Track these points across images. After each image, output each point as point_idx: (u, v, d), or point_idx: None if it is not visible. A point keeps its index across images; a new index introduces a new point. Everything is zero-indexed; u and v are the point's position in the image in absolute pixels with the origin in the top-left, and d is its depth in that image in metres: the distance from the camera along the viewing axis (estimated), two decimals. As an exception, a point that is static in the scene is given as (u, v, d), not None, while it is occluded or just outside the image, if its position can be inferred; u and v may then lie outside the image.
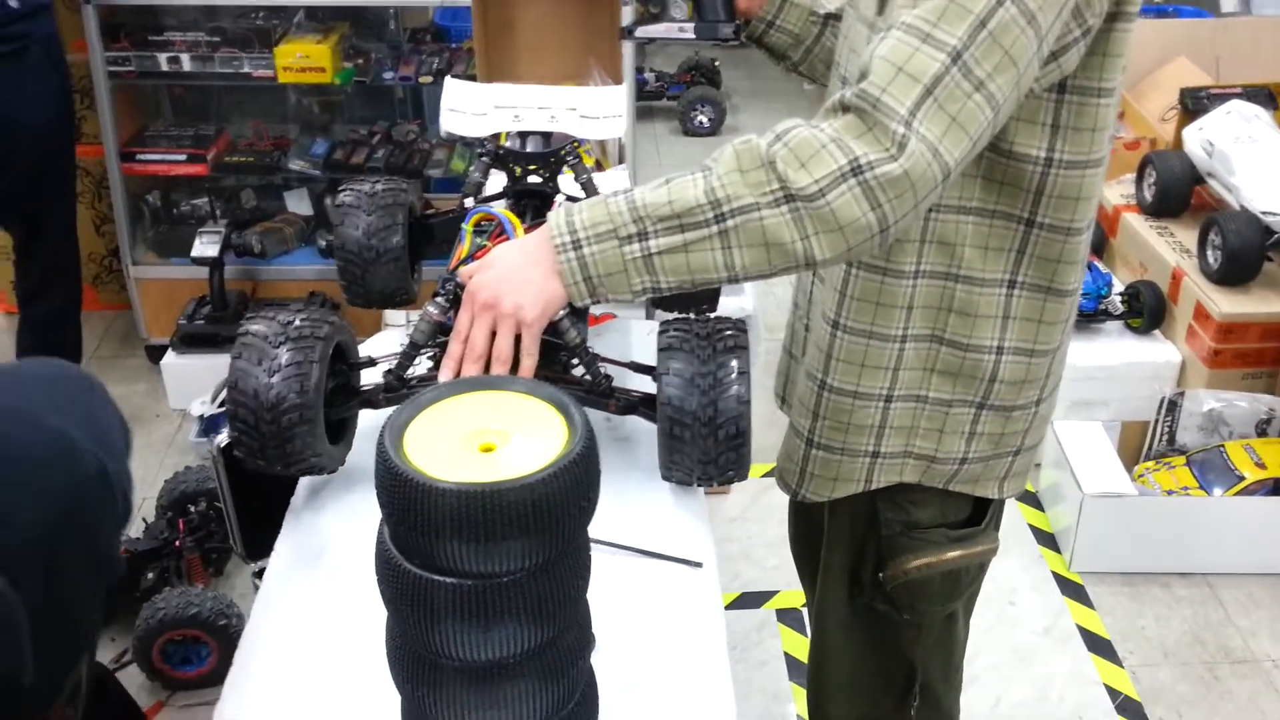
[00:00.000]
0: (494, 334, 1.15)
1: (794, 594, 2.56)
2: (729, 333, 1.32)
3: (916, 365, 1.31)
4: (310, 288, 3.32)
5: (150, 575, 2.44)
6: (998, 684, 2.45)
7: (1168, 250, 3.02)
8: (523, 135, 1.57)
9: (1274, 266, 2.89)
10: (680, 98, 5.13)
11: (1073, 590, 2.73)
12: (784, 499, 1.55)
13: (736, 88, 5.49)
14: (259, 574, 1.43)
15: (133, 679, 2.36)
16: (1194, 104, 3.17)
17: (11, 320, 3.35)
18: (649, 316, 2.08)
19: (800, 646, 2.52)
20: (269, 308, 1.32)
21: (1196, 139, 3.00)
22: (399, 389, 1.35)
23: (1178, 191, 3.07)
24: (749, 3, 1.49)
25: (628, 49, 2.73)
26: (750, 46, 1.54)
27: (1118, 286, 3.08)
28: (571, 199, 1.60)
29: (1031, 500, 3.00)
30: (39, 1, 2.82)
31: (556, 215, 1.13)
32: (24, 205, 2.99)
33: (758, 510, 2.87)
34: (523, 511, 0.83)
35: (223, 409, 2.95)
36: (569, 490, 0.86)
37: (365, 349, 1.52)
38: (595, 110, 1.55)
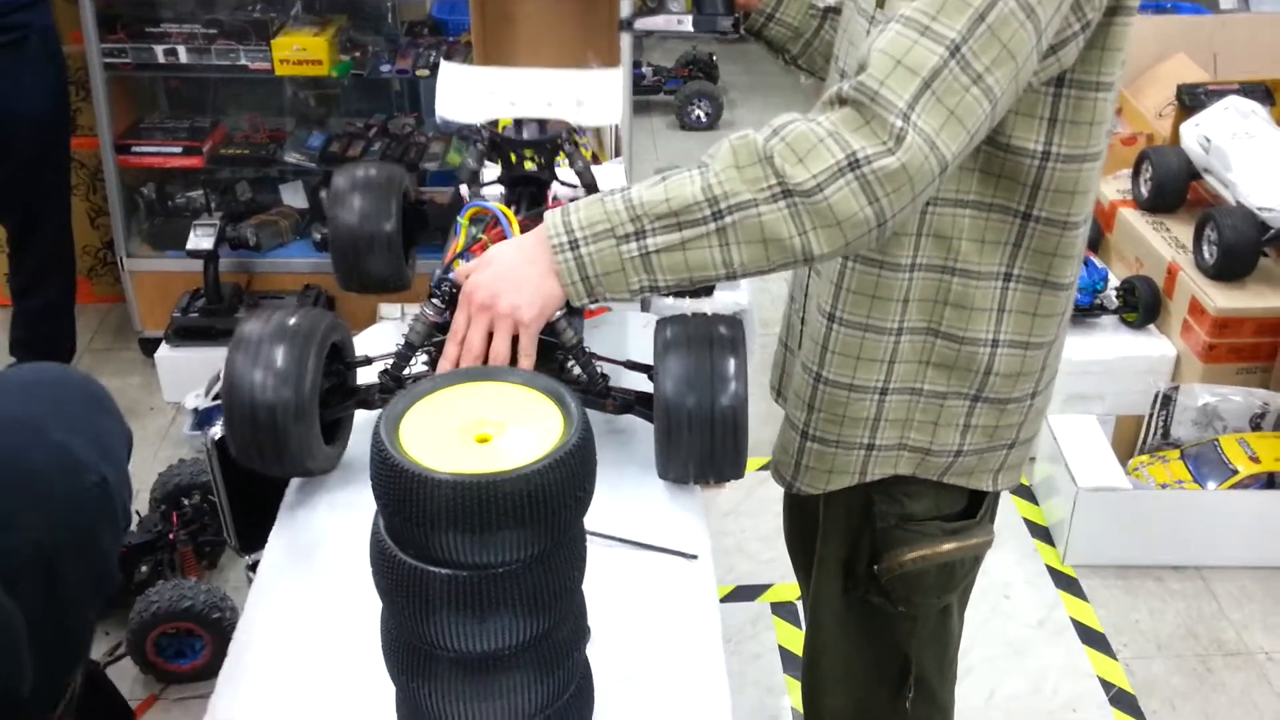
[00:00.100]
0: (491, 334, 1.15)
1: (789, 587, 2.56)
2: (725, 330, 1.32)
3: (912, 358, 1.32)
4: (305, 281, 3.31)
5: (144, 568, 2.44)
6: (992, 676, 2.46)
7: (1163, 245, 3.02)
8: (518, 122, 1.56)
9: (1269, 262, 2.89)
10: (677, 92, 5.12)
11: (1067, 583, 2.74)
12: (779, 492, 1.55)
13: (734, 82, 5.48)
14: (253, 567, 1.43)
15: (126, 672, 2.36)
16: (1191, 100, 3.17)
17: (5, 313, 3.34)
18: (644, 309, 2.08)
19: (795, 639, 2.52)
20: (265, 304, 1.31)
21: (1193, 135, 3.00)
22: (395, 389, 1.34)
23: (1174, 187, 3.08)
24: (747, -4, 1.49)
25: (625, 42, 2.73)
26: (749, 40, 1.54)
27: (1113, 281, 3.08)
28: (565, 185, 1.60)
29: (1026, 493, 3.00)
30: (38, -9, 2.82)
31: (553, 215, 1.13)
32: (20, 197, 2.99)
33: (752, 504, 2.87)
34: (518, 502, 0.83)
35: (216, 402, 2.95)
36: (565, 481, 0.86)
37: (360, 341, 1.52)
38: (590, 96, 1.55)
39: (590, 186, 1.58)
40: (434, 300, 1.29)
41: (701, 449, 1.30)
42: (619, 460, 1.41)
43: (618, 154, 2.71)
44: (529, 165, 1.57)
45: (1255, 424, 2.85)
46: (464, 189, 1.54)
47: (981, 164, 1.22)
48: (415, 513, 0.84)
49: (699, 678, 1.16)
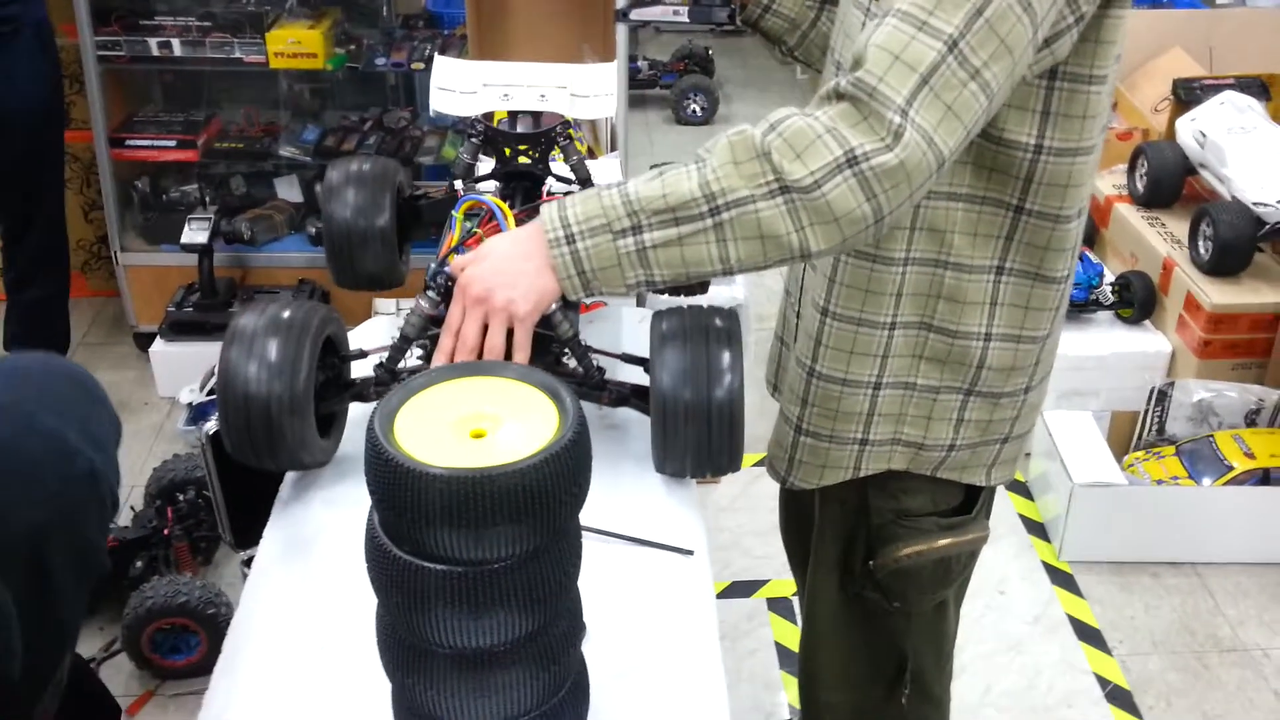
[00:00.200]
0: (486, 328, 1.14)
1: (785, 583, 2.56)
2: (721, 323, 1.32)
3: (905, 352, 1.31)
4: (300, 275, 3.30)
5: (139, 564, 2.43)
6: (988, 673, 2.46)
7: (1159, 241, 3.02)
8: (513, 115, 1.56)
9: (1265, 258, 2.90)
10: (673, 86, 5.12)
11: (1062, 579, 2.74)
12: (775, 488, 1.55)
13: (730, 76, 5.48)
14: (248, 562, 1.43)
15: (121, 668, 2.36)
16: (1187, 95, 3.18)
17: (-1, 307, 3.34)
18: (640, 304, 2.07)
19: (791, 635, 2.52)
20: (260, 298, 1.31)
21: (1189, 130, 3.00)
22: (390, 383, 1.33)
23: (1169, 182, 3.08)
24: (744, -13, 1.49)
25: (621, 36, 2.72)
26: (745, 32, 1.53)
27: (1108, 276, 3.08)
28: (560, 179, 1.60)
29: (1021, 489, 3.01)
30: (31, -17, 2.81)
31: (549, 209, 1.12)
32: (14, 191, 2.98)
33: (748, 499, 2.87)
34: (514, 498, 0.83)
35: (211, 397, 2.94)
36: (560, 476, 0.85)
37: (355, 336, 1.51)
38: (585, 88, 1.55)
39: (585, 181, 1.57)
40: (429, 293, 1.28)
41: (698, 442, 1.30)
42: (615, 455, 1.41)
43: (613, 148, 2.71)
44: (523, 159, 1.57)
45: (1250, 420, 2.86)
46: (458, 183, 1.54)
47: (974, 157, 1.21)
48: (410, 508, 0.83)
49: (695, 673, 1.16)
